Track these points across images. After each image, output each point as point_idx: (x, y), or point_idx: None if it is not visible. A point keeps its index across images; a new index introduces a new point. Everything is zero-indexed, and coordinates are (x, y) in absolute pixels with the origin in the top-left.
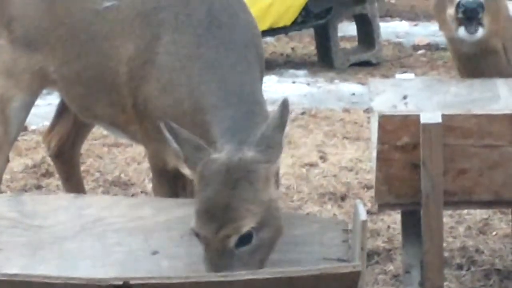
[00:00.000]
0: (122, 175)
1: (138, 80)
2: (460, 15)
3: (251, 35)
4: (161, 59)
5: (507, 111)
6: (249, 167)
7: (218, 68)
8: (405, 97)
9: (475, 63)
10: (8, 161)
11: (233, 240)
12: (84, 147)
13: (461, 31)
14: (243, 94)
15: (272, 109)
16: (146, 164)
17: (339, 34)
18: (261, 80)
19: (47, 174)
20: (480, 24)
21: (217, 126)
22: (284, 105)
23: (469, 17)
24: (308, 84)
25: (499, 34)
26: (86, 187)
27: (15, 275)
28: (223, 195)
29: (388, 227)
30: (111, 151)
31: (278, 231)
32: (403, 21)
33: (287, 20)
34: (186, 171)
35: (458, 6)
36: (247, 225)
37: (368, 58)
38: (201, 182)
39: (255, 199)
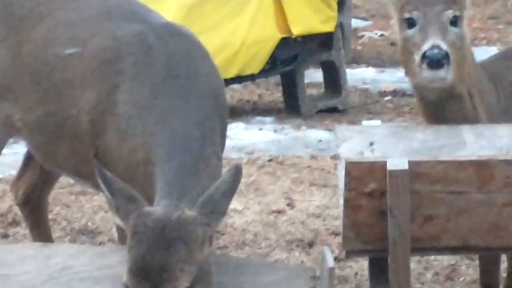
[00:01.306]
0: (89, 224)
1: (99, 129)
2: (425, 66)
3: (210, 85)
4: (119, 108)
5: (473, 158)
6: (187, 227)
7: (170, 119)
8: (371, 144)
9: (440, 109)
10: None
11: None
12: (51, 195)
13: (426, 77)
14: (191, 148)
15: (238, 155)
16: None
17: (306, 80)
18: (223, 130)
19: (14, 223)
20: (445, 71)
21: (160, 179)
22: (237, 171)
23: (435, 67)
24: (275, 131)
25: (465, 80)
26: (53, 235)
27: None
28: (158, 255)
29: (356, 273)
30: (78, 200)
31: (209, 285)
32: (370, 68)
33: (254, 69)
34: (118, 221)
35: (423, 56)
36: (181, 286)
37: (335, 105)
38: (134, 237)
39: (190, 260)
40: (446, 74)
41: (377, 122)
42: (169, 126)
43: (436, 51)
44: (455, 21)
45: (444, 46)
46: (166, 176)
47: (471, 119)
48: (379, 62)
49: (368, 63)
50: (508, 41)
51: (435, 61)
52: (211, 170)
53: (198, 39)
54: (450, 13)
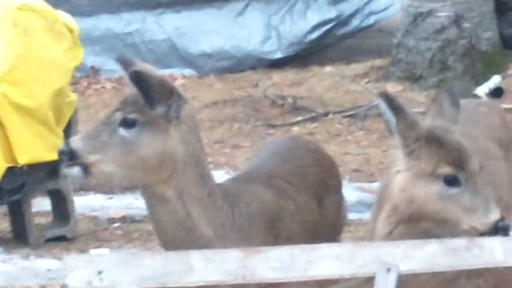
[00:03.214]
0: None
1: None
2: None
3: None
4: None
5: (201, 283)
6: None
7: None
8: (100, 273)
9: (152, 210)
10: None
11: None
12: None
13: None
14: None
15: None
16: None
17: (34, 209)
18: None
19: None
20: (85, 166)
21: None
22: None
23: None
24: (3, 261)
25: (169, 183)
26: None
27: None
28: None
29: None
30: None
31: None
32: (98, 195)
33: None
34: None
35: None
36: None
37: (64, 233)
38: None
39: None
40: (80, 174)
41: (105, 250)
42: None
43: (60, 148)
44: (129, 124)
45: (73, 145)
46: None
47: (188, 227)
48: (108, 188)
49: (96, 190)
50: (235, 165)
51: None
52: None
53: None
54: (118, 114)
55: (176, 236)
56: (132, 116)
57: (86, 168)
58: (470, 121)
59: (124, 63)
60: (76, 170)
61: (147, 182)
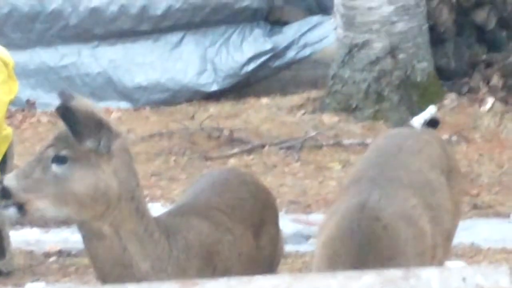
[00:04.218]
0: None
1: None
2: None
3: None
4: None
5: None
6: None
7: None
8: None
9: (87, 245)
10: None
11: None
12: None
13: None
14: None
15: None
16: None
17: None
18: None
19: None
20: (19, 205)
21: None
22: None
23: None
24: None
25: (105, 219)
26: None
27: None
28: None
29: None
30: None
31: None
32: (34, 229)
33: None
34: None
35: None
36: None
37: None
38: None
39: None
40: (15, 214)
41: (41, 285)
42: None
43: None
44: (61, 160)
45: (7, 183)
46: None
47: (125, 263)
48: (43, 222)
49: (32, 224)
50: (171, 197)
51: None
52: None
53: None
54: (50, 151)
55: (113, 271)
56: (63, 152)
57: (21, 207)
58: (414, 151)
59: (65, 97)
60: (11, 211)
61: (83, 219)
